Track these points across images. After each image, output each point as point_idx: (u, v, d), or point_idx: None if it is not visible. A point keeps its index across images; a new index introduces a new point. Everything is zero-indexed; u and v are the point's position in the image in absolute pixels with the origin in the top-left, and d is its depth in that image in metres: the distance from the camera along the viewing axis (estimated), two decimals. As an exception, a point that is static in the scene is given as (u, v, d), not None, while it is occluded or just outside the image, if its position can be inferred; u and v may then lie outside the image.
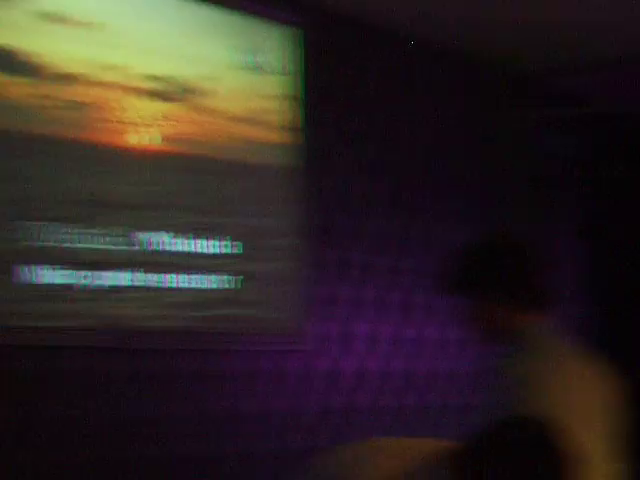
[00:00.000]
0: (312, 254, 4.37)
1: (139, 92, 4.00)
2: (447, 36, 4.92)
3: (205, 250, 4.08)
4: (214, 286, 4.08)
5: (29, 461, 3.48)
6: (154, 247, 3.94)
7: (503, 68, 5.34)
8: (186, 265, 4.01)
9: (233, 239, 4.17)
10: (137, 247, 3.88)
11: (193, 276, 4.02)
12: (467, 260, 2.51)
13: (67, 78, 3.81)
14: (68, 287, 3.68)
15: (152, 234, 3.94)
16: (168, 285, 3.95)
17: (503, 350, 2.45)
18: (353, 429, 4.44)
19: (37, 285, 3.60)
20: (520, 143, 5.34)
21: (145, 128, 4.01)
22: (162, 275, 3.93)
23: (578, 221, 5.76)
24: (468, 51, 5.15)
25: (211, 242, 4.10)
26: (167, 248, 3.97)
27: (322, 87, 4.53)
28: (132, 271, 3.85)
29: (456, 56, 5.17)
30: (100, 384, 3.69)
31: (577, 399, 2.33)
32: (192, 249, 4.04)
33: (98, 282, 3.75)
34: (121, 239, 3.85)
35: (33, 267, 3.61)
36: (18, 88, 3.69)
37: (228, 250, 4.15)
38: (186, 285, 3.99)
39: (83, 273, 3.72)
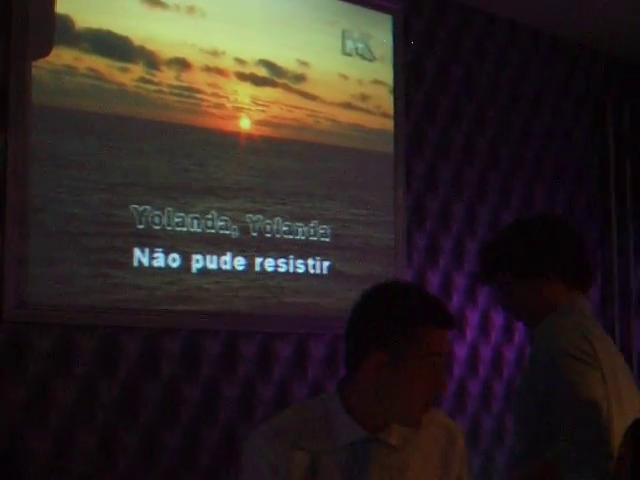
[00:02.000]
0: (403, 238, 4.38)
1: (243, 77, 4.02)
2: (537, 16, 4.90)
3: (303, 235, 4.10)
4: (312, 271, 4.11)
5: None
6: (259, 232, 3.97)
7: (596, 53, 5.32)
8: (282, 250, 4.04)
9: (329, 224, 4.19)
10: (243, 231, 3.92)
11: (290, 261, 4.05)
12: (523, 237, 2.50)
13: (175, 63, 3.84)
14: (180, 270, 3.72)
15: (260, 219, 3.98)
16: (268, 269, 3.98)
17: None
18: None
19: (152, 268, 3.65)
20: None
21: (250, 113, 4.03)
22: (262, 259, 3.97)
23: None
24: (561, 34, 5.13)
25: (308, 228, 4.12)
26: (272, 233, 4.01)
27: (412, 72, 4.54)
28: (237, 255, 3.89)
29: (548, 38, 5.14)
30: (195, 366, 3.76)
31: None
32: (296, 235, 4.08)
33: (209, 266, 3.80)
34: (229, 223, 3.89)
35: (148, 251, 3.65)
36: (128, 74, 3.71)
37: (324, 236, 4.17)
38: (284, 270, 4.02)
39: (194, 257, 3.77)
